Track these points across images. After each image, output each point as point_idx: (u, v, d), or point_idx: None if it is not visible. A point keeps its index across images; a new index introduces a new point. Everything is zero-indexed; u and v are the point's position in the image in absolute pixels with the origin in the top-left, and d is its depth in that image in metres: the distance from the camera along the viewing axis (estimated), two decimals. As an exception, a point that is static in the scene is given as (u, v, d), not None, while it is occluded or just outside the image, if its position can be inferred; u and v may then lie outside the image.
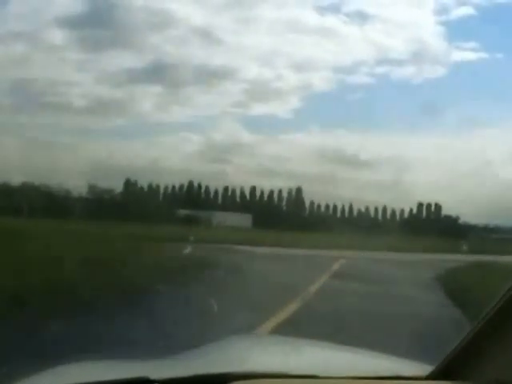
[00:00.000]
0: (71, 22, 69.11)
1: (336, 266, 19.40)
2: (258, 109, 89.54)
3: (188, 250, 18.04)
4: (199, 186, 65.54)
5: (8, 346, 5.74)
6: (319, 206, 66.79)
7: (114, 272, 10.76)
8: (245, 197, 66.12)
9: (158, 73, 71.70)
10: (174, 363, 2.07)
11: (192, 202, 57.25)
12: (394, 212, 65.52)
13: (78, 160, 53.48)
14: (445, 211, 61.52)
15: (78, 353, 4.49)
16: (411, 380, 1.78)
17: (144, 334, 6.56)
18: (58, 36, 75.74)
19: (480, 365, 1.66)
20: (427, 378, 1.77)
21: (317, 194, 64.51)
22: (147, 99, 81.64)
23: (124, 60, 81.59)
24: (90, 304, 8.00)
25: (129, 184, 60.04)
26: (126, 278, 10.42)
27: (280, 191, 66.20)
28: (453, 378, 1.69)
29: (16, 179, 46.36)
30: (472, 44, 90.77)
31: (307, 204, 66.41)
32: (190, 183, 64.95)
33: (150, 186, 62.97)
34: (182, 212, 51.00)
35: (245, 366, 1.89)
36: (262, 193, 66.35)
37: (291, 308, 9.65)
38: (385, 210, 65.79)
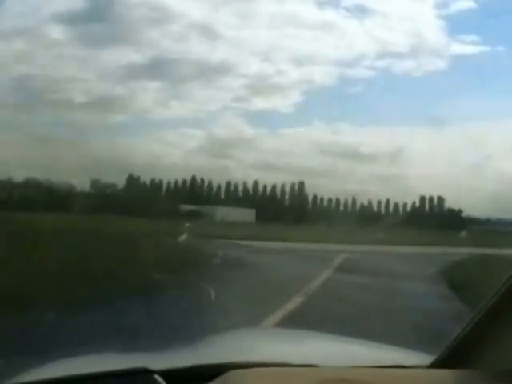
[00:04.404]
0: (71, 19, 69.01)
1: (339, 260, 19.39)
2: (259, 103, 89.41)
3: (193, 245, 18.07)
4: (202, 181, 65.58)
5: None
6: (322, 200, 66.80)
7: (124, 266, 10.82)
8: (248, 191, 66.12)
9: (159, 68, 71.71)
10: (174, 354, 2.07)
11: (195, 197, 57.29)
12: (396, 205, 65.52)
13: (80, 156, 53.44)
14: (447, 204, 61.52)
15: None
16: (413, 369, 1.78)
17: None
18: (57, 32, 75.59)
19: (481, 353, 1.65)
20: (429, 367, 1.76)
21: (319, 188, 64.54)
22: (148, 95, 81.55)
23: (124, 56, 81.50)
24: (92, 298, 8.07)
25: (131, 179, 60.11)
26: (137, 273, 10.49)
27: (283, 185, 66.23)
28: (454, 366, 1.69)
29: (19, 175, 46.47)
30: (472, 37, 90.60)
31: (310, 198, 66.45)
32: (193, 178, 65.01)
33: (152, 182, 63.05)
34: (185, 207, 50.99)
35: (244, 356, 1.88)
36: (265, 187, 66.38)
37: (294, 302, 9.67)
38: (388, 203, 65.79)
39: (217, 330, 2.77)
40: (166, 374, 1.62)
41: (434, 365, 1.76)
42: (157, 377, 1.59)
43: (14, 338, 5.93)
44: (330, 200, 66.57)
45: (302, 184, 66.04)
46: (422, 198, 64.54)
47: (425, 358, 1.84)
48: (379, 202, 66.12)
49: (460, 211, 56.54)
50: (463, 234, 34.31)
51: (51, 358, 1.98)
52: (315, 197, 66.42)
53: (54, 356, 2.00)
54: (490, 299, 1.62)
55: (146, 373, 1.60)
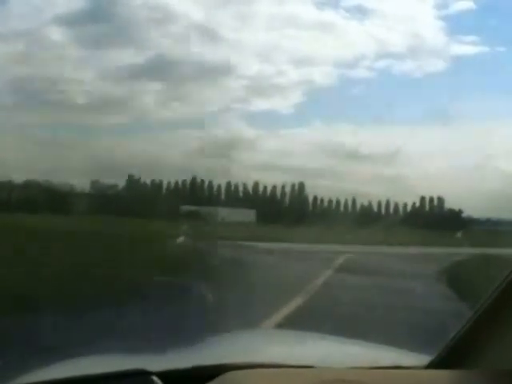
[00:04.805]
0: (70, 19, 68.77)
1: (340, 261, 19.39)
2: (259, 104, 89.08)
3: (193, 246, 18.09)
4: (202, 181, 65.55)
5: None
6: (322, 201, 66.76)
7: (124, 267, 10.85)
8: (248, 192, 66.11)
9: (159, 69, 71.45)
10: (172, 356, 2.07)
11: (195, 197, 57.25)
12: (396, 206, 65.46)
13: (80, 157, 53.44)
14: (448, 205, 61.49)
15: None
16: (411, 370, 1.78)
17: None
18: (57, 34, 75.47)
19: (479, 354, 1.65)
20: (427, 367, 1.77)
21: (320, 189, 64.47)
22: (148, 96, 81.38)
23: (124, 57, 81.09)
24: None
25: (132, 180, 60.10)
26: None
27: (283, 186, 66.20)
28: (452, 367, 1.69)
29: (18, 177, 46.49)
30: (472, 38, 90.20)
31: (310, 199, 66.41)
32: (193, 179, 64.97)
33: (152, 182, 63.05)
34: (186, 208, 50.98)
35: (244, 357, 1.88)
36: (265, 188, 66.37)
37: (296, 302, 9.69)
38: (388, 203, 65.75)
39: (216, 331, 2.77)
40: (164, 375, 1.62)
41: (432, 365, 1.76)
42: (155, 378, 1.60)
43: (14, 339, 5.94)
44: (330, 201, 66.54)
45: (302, 185, 66.04)
46: (422, 199, 64.50)
47: (423, 359, 1.84)
48: (379, 203, 66.12)
49: (460, 211, 56.51)
50: (459, 234, 34.29)
51: (50, 360, 1.98)
52: (315, 197, 66.41)
53: (53, 358, 2.01)
54: (487, 299, 1.62)
55: (144, 374, 1.61)
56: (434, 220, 53.54)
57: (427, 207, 64.92)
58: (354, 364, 1.79)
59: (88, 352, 2.16)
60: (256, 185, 65.91)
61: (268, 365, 1.70)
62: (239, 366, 1.65)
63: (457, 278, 13.54)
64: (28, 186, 44.60)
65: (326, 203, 66.61)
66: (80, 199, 43.12)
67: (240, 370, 1.63)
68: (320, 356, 2.06)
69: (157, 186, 63.28)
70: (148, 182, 62.77)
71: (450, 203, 59.70)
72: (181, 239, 18.22)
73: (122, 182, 58.13)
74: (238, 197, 64.37)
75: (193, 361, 1.74)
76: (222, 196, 65.50)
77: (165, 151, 70.77)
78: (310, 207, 65.21)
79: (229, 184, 65.62)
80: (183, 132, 79.17)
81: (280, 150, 72.64)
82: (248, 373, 1.61)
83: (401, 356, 2.16)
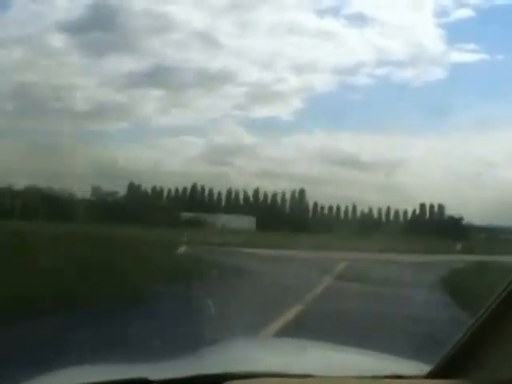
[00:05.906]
0: (72, 27, 69.47)
1: (340, 268, 19.37)
2: (260, 111, 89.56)
3: (193, 253, 18.10)
4: (202, 188, 65.61)
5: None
6: (322, 208, 66.82)
7: (124, 275, 10.84)
8: (248, 199, 66.15)
9: (160, 76, 71.88)
10: (173, 365, 2.08)
11: (196, 204, 57.30)
12: (397, 213, 65.50)
13: (81, 164, 53.58)
14: (448, 212, 61.52)
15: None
16: (410, 379, 1.78)
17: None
18: (59, 41, 76.09)
19: (478, 363, 1.65)
20: (426, 376, 1.77)
21: (320, 196, 64.60)
22: (149, 103, 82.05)
23: (125, 64, 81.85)
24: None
25: (132, 187, 60.14)
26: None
27: (283, 193, 66.24)
28: (451, 376, 1.69)
29: (19, 183, 46.57)
30: (472, 46, 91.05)
31: (310, 206, 66.45)
32: (194, 186, 65.04)
33: (153, 189, 63.11)
34: (186, 215, 51.00)
35: (243, 366, 1.89)
36: (266, 195, 66.39)
37: (294, 310, 9.67)
38: (388, 211, 65.76)
39: (216, 339, 2.78)
40: (165, 383, 1.63)
41: (432, 374, 1.76)
42: None
43: (14, 347, 5.93)
44: (330, 207, 66.60)
45: (302, 191, 66.11)
46: (423, 206, 64.57)
47: (422, 368, 1.85)
48: (379, 210, 66.14)
49: (460, 219, 56.53)
50: (459, 242, 34.30)
51: (51, 369, 1.99)
52: (316, 204, 66.48)
53: (54, 366, 2.01)
54: (487, 308, 1.62)
55: (145, 383, 1.61)
56: (434, 227, 53.54)
57: (427, 214, 64.95)
58: (353, 373, 1.80)
59: (89, 360, 2.17)
60: (256, 192, 66.05)
61: (268, 374, 1.70)
62: (239, 376, 1.66)
63: (457, 287, 13.52)
64: (29, 192, 44.63)
65: (326, 210, 66.71)
66: (81, 206, 43.13)
67: (240, 379, 1.63)
68: (319, 365, 2.06)
69: (157, 192, 63.36)
70: (149, 188, 62.90)
71: (451, 210, 59.81)
72: (182, 248, 18.23)
73: (122, 189, 58.23)
74: (238, 204, 64.42)
75: (193, 370, 1.75)
76: (223, 203, 65.55)
77: (165, 158, 70.99)
78: (311, 214, 65.25)
79: (229, 191, 65.76)
80: (184, 139, 79.49)
81: (280, 156, 72.75)
82: (248, 382, 1.62)
83: (400, 365, 2.16)
